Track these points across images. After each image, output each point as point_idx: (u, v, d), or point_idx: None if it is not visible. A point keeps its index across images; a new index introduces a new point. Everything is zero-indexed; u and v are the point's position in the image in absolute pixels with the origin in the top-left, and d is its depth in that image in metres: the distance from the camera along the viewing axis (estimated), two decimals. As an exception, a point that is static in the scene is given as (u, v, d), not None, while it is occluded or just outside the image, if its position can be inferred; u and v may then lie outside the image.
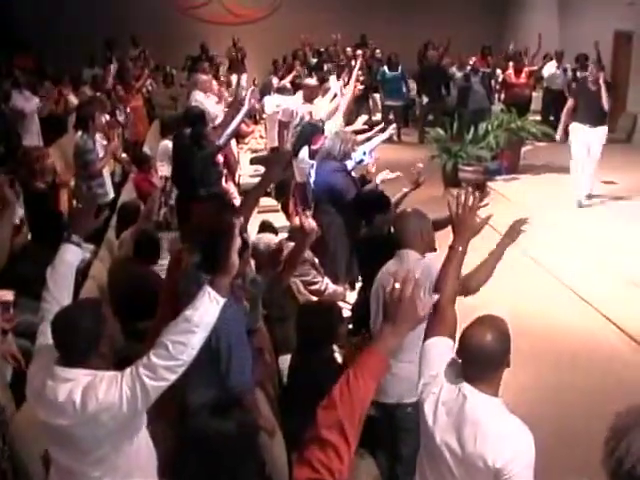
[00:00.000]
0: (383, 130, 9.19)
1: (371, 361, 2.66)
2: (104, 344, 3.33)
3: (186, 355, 3.23)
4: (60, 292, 3.73)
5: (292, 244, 6.66)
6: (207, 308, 3.28)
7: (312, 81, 11.53)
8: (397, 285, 2.66)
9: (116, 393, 3.16)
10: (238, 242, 3.41)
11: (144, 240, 6.69)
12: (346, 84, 10.84)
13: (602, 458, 2.48)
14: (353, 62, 18.63)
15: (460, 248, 3.76)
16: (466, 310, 5.05)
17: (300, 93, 11.19)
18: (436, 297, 3.61)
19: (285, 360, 5.58)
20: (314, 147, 8.78)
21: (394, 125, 9.59)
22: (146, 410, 3.34)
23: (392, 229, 5.34)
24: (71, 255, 3.85)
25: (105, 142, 9.45)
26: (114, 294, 6.18)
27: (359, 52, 11.42)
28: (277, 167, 5.43)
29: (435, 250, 5.15)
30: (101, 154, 8.81)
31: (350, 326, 6.15)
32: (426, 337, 3.58)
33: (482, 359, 3.28)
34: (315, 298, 6.62)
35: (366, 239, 6.37)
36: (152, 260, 6.51)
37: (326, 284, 6.87)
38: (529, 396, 6.68)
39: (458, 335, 3.54)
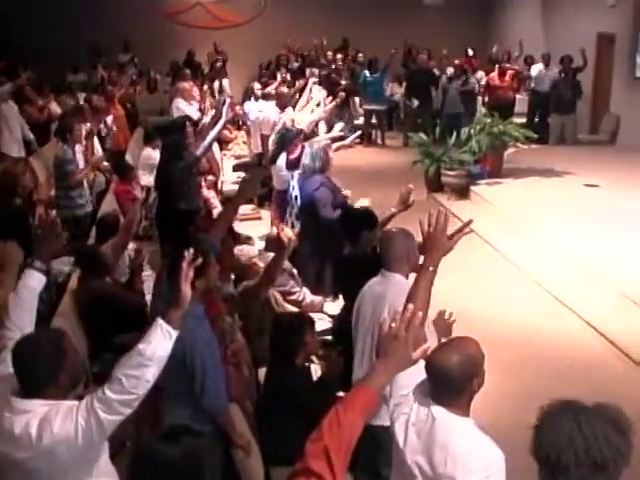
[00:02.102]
0: (361, 136, 9.22)
1: (361, 397, 2.73)
2: (64, 375, 3.30)
3: (141, 389, 3.23)
4: (22, 319, 3.72)
5: (269, 254, 6.73)
6: (159, 342, 3.30)
7: (284, 89, 12.19)
8: (393, 324, 2.72)
9: (71, 426, 3.15)
10: (190, 274, 3.43)
11: (81, 256, 6.70)
12: (329, 95, 10.89)
13: (530, 448, 2.69)
14: (333, 65, 18.86)
15: (431, 267, 3.73)
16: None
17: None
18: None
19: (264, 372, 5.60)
20: (291, 157, 8.81)
21: (359, 132, 9.62)
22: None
23: (377, 248, 5.29)
24: (34, 281, 3.84)
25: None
26: (81, 312, 6.21)
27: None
28: (252, 185, 5.44)
29: (417, 270, 5.14)
30: (81, 164, 8.79)
31: (330, 338, 6.17)
32: None
33: (444, 382, 3.27)
34: (293, 308, 6.63)
35: (350, 258, 6.33)
36: (99, 275, 6.51)
37: (304, 294, 6.88)
38: (511, 403, 6.70)
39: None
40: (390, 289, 4.80)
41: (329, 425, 2.63)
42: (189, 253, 3.53)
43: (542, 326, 8.42)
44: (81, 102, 13.26)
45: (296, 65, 19.45)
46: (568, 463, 2.57)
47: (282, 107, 10.92)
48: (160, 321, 3.34)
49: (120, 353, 3.47)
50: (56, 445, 3.15)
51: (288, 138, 9.16)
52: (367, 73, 18.23)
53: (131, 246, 7.34)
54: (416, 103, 18.09)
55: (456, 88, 17.14)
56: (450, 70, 18.17)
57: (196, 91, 12.88)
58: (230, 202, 5.66)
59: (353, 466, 4.91)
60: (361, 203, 8.13)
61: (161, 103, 16.86)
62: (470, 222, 4.06)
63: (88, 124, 10.30)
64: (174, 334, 3.35)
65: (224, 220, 5.54)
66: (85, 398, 3.23)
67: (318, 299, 7.01)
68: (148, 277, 7.07)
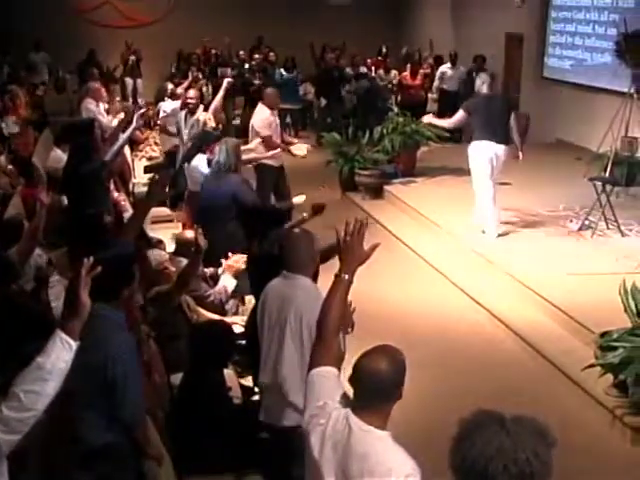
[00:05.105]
0: None
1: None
2: None
3: (40, 404, 3.08)
4: None
5: (180, 259, 6.60)
6: (59, 354, 3.14)
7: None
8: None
9: None
10: (88, 282, 3.30)
11: None
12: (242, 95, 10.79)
13: (448, 457, 2.59)
14: (247, 65, 18.75)
15: (346, 276, 3.65)
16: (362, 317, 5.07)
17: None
18: None
19: (178, 378, 5.50)
20: (210, 156, 8.68)
21: (277, 150, 9.61)
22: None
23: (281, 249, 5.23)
24: None
25: None
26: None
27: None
28: (160, 188, 5.34)
29: (317, 273, 5.13)
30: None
31: (243, 342, 6.09)
32: (311, 367, 3.51)
33: (374, 387, 3.21)
34: (207, 312, 6.51)
35: (258, 258, 6.25)
36: (6, 282, 6.29)
37: (215, 295, 6.79)
38: (430, 401, 6.73)
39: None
40: (297, 293, 4.76)
41: None
42: (88, 260, 3.38)
43: (456, 322, 8.54)
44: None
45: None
46: (495, 473, 2.48)
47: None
48: (59, 332, 3.17)
49: (26, 363, 3.31)
50: None
51: (204, 138, 9.04)
52: (283, 72, 18.21)
53: (37, 252, 7.11)
54: (324, 102, 18.15)
55: (348, 90, 17.29)
56: (363, 70, 18.28)
57: (104, 92, 12.63)
58: (139, 206, 5.53)
59: (264, 466, 4.90)
60: (298, 200, 7.97)
61: (70, 103, 16.45)
62: (365, 220, 3.98)
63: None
64: (74, 345, 3.18)
65: (133, 225, 5.42)
66: None
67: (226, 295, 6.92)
68: (55, 282, 6.86)
